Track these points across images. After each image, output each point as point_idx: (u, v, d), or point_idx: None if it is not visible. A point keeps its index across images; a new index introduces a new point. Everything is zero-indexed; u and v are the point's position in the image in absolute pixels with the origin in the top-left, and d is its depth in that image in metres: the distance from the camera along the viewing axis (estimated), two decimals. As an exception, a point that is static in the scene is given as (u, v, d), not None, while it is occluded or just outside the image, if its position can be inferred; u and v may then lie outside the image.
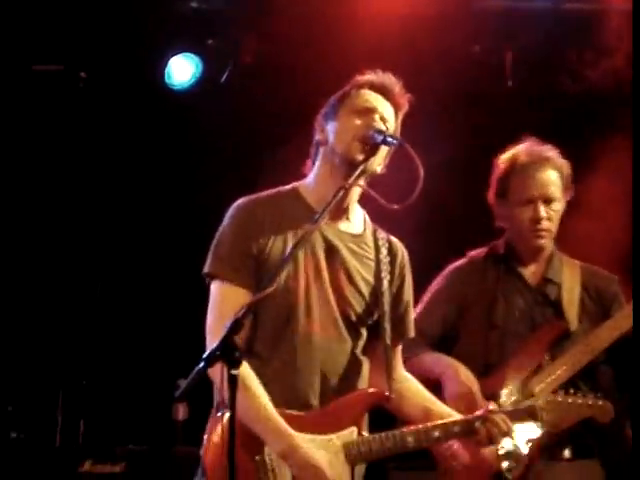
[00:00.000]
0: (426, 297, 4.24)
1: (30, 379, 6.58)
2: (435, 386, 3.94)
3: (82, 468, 5.59)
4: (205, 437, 3.15)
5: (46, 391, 6.43)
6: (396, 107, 3.37)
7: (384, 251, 3.40)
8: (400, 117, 3.40)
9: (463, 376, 3.95)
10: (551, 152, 4.16)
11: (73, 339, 6.78)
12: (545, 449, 3.91)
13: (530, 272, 4.18)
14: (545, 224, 4.09)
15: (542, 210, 4.07)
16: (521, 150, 4.16)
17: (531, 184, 4.09)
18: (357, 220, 3.42)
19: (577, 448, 3.99)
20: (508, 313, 4.10)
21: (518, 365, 3.99)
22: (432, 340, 4.14)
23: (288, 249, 3.17)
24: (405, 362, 4.08)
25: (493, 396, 3.89)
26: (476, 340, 4.10)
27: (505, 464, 3.85)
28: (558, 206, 4.12)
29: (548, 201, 4.09)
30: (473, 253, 4.31)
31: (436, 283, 4.26)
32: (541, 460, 3.91)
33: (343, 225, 3.36)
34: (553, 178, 4.10)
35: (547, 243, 4.15)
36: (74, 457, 5.63)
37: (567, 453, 3.99)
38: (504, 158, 4.19)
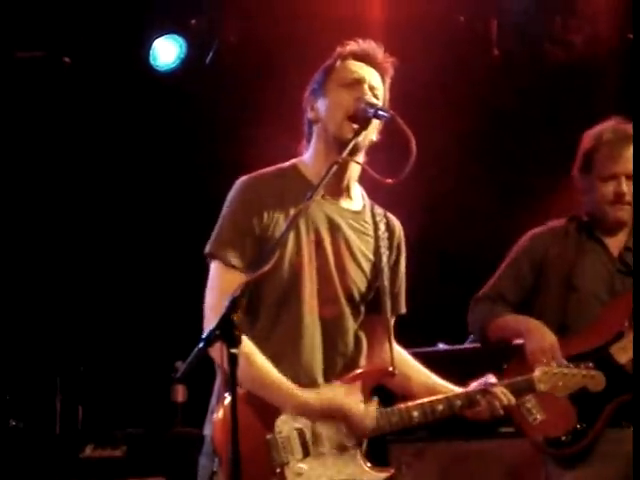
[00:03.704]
0: (505, 262, 4.32)
1: (27, 367, 6.58)
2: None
3: (83, 453, 5.61)
4: (213, 417, 3.13)
5: (44, 378, 6.43)
6: (382, 73, 3.35)
7: (382, 227, 3.39)
8: (387, 82, 3.37)
9: (547, 335, 4.01)
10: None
11: (69, 325, 6.79)
12: (613, 416, 3.98)
13: (613, 241, 4.24)
14: (627, 198, 4.16)
15: (625, 185, 4.14)
16: (607, 127, 4.23)
17: (615, 160, 4.15)
18: (356, 197, 3.41)
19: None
20: (589, 277, 4.17)
21: (598, 330, 4.05)
22: (511, 303, 4.24)
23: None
24: (488, 325, 4.22)
25: (569, 357, 3.91)
26: (554, 301, 4.17)
27: (580, 425, 3.98)
28: None
29: (630, 177, 4.15)
30: (553, 222, 4.37)
31: (516, 247, 4.33)
32: (616, 426, 4.00)
33: (344, 202, 3.35)
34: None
35: (627, 216, 4.20)
36: (75, 443, 5.64)
37: (631, 419, 4.01)
38: (590, 134, 4.26)
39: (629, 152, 4.15)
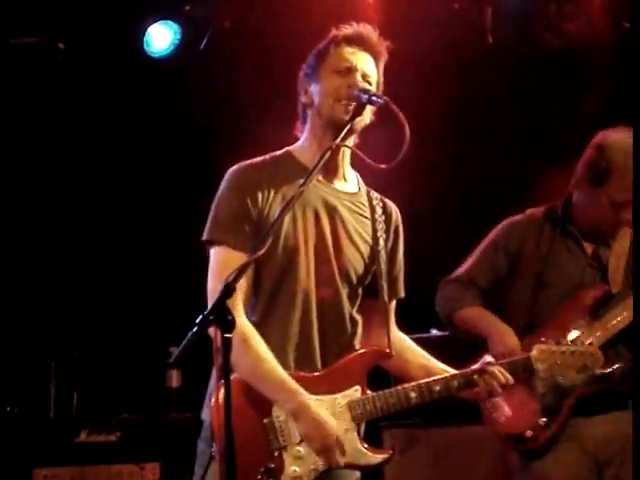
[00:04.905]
0: (480, 248, 4.34)
1: (22, 352, 6.59)
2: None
3: (78, 439, 5.62)
4: (211, 401, 3.14)
5: (38, 363, 6.44)
6: (376, 57, 3.36)
7: (379, 210, 3.42)
8: (381, 65, 3.39)
9: (509, 340, 4.05)
10: None
11: (63, 310, 6.79)
12: (579, 404, 4.04)
13: (587, 240, 4.23)
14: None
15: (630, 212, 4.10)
16: (619, 145, 4.11)
17: (631, 187, 4.03)
18: (351, 179, 3.43)
19: (610, 400, 4.07)
20: (560, 275, 4.19)
21: (558, 325, 4.07)
22: (482, 289, 4.27)
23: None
24: (455, 312, 4.24)
25: None
26: (524, 298, 4.21)
27: (543, 419, 4.03)
28: None
29: None
30: (531, 210, 4.37)
31: (492, 235, 4.34)
32: (575, 415, 4.05)
33: (339, 184, 3.38)
34: None
35: None
36: (69, 428, 5.65)
37: (601, 406, 4.07)
38: (610, 148, 4.12)
39: None
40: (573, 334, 4.04)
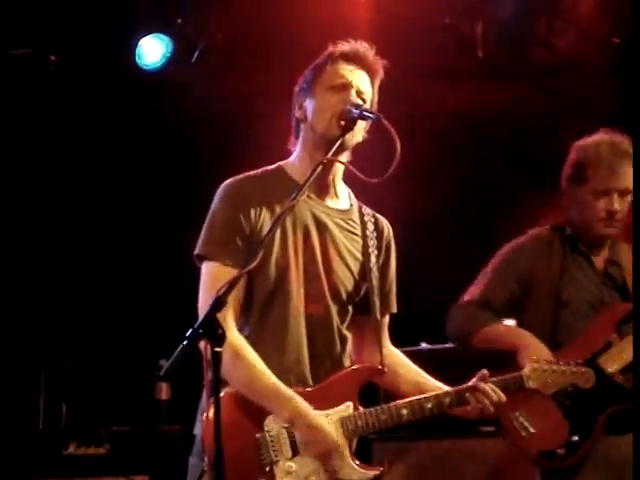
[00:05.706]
0: (490, 271, 4.27)
1: (11, 363, 6.58)
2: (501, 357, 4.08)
3: (66, 451, 5.61)
4: (203, 416, 3.12)
5: (28, 375, 6.43)
6: (371, 74, 3.36)
7: (370, 226, 3.42)
8: (377, 83, 3.39)
9: (543, 350, 3.98)
10: (630, 146, 4.16)
11: (53, 322, 6.79)
12: (605, 426, 4.00)
13: (597, 255, 4.22)
14: (618, 216, 4.14)
15: (617, 202, 4.12)
16: (604, 141, 4.16)
17: (612, 177, 4.10)
18: (343, 196, 3.44)
19: (631, 420, 4.05)
20: (578, 292, 4.15)
21: (587, 342, 4.02)
22: (497, 312, 4.19)
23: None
24: (475, 332, 4.17)
25: None
26: (543, 318, 4.15)
27: (575, 437, 3.97)
28: (629, 198, 4.16)
29: (623, 194, 4.14)
30: (534, 231, 4.33)
31: (500, 258, 4.28)
32: (605, 434, 3.99)
33: (330, 201, 3.38)
34: (630, 172, 4.13)
35: (615, 232, 4.20)
36: (58, 440, 5.64)
37: (626, 425, 4.00)
38: (584, 147, 4.19)
39: (626, 169, 4.10)
40: (604, 350, 3.99)
